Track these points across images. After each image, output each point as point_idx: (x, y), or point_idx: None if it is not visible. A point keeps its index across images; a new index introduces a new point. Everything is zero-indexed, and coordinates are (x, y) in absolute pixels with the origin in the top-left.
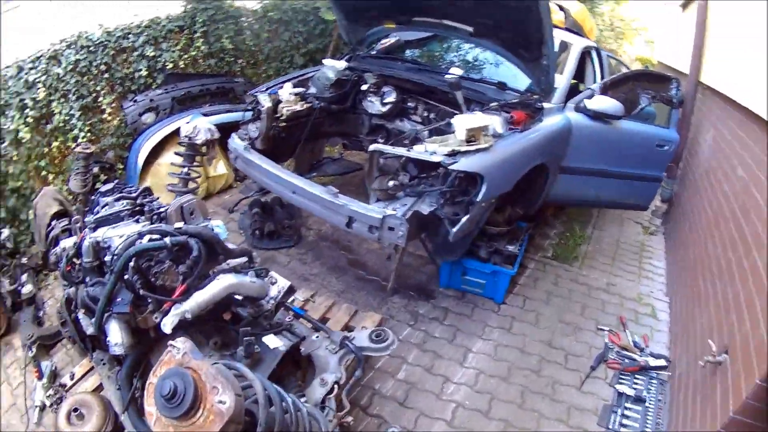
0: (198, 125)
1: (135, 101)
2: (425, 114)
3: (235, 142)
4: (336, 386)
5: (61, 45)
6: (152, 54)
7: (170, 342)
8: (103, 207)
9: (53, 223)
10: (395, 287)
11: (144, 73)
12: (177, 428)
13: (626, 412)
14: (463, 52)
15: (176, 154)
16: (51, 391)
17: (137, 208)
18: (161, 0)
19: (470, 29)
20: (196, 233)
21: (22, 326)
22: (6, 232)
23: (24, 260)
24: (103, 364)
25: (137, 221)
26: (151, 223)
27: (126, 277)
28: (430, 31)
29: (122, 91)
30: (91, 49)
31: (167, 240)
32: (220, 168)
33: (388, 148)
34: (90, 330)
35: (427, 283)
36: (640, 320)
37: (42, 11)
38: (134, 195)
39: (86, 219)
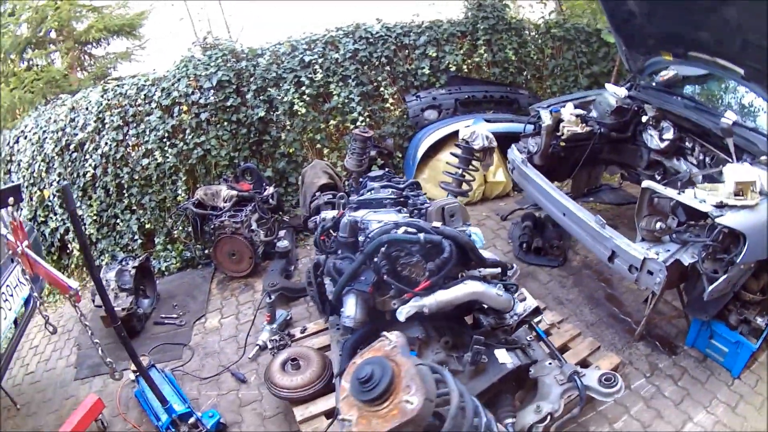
0: (477, 131)
1: (418, 96)
2: (701, 157)
3: (514, 153)
4: (549, 417)
5: (338, 33)
6: (434, 54)
7: (384, 333)
8: (369, 190)
9: (317, 193)
10: (643, 333)
11: (427, 71)
12: (361, 410)
13: None
14: (740, 95)
15: (452, 154)
16: (277, 336)
17: (401, 199)
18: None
19: (742, 72)
20: (452, 236)
21: (269, 274)
22: (270, 189)
23: (286, 218)
24: (337, 328)
25: (399, 211)
26: (410, 217)
27: (375, 260)
28: (704, 68)
29: (404, 85)
30: (370, 41)
31: (421, 236)
32: (499, 175)
33: (660, 188)
34: (331, 295)
35: (675, 338)
36: None
37: None
38: (401, 186)
39: (350, 198)
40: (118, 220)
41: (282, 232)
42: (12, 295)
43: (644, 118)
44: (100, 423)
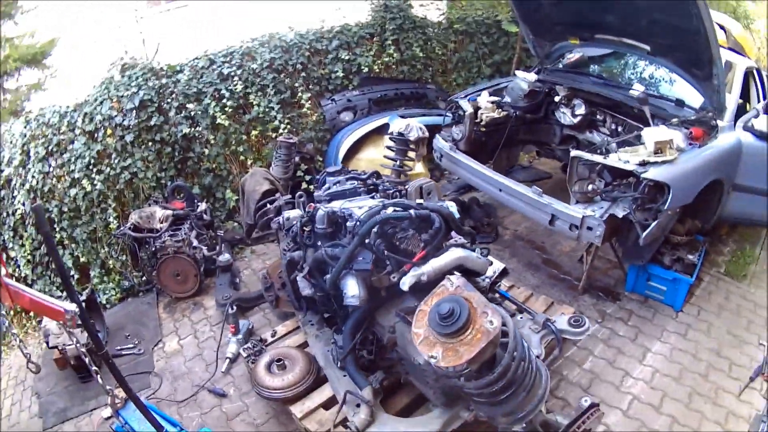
0: (410, 124)
1: (333, 100)
2: (613, 127)
3: (441, 142)
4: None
5: (254, 43)
6: (347, 58)
7: (448, 276)
8: (333, 184)
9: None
10: (585, 287)
11: (341, 74)
12: (445, 344)
13: None
14: (640, 69)
15: (388, 148)
16: (249, 345)
17: (371, 187)
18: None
19: (648, 48)
20: (437, 209)
21: (218, 288)
22: (203, 205)
23: (221, 233)
24: (311, 324)
25: (373, 197)
26: (388, 199)
27: (367, 240)
28: (610, 48)
29: (319, 90)
30: (285, 48)
31: (412, 212)
32: (417, 167)
33: (588, 155)
34: (306, 291)
35: (614, 286)
36: None
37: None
38: (364, 177)
39: (315, 194)
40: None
41: (220, 246)
42: None
43: (557, 98)
44: None
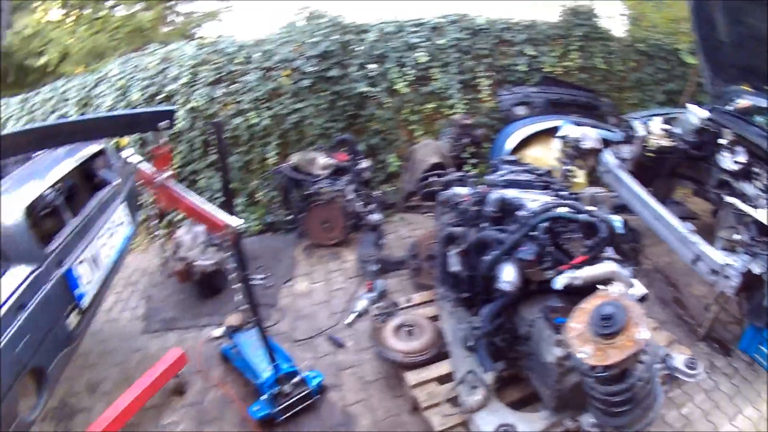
0: (587, 133)
1: (512, 91)
2: (766, 182)
3: (610, 158)
4: None
5: (445, 20)
6: (532, 53)
7: (608, 284)
8: (510, 173)
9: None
10: (705, 335)
11: (523, 69)
12: (597, 343)
13: None
14: None
15: (561, 151)
16: (382, 304)
17: (545, 184)
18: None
19: None
20: (606, 220)
21: (361, 245)
22: (366, 163)
23: (378, 193)
24: (447, 300)
25: (546, 194)
26: (561, 199)
27: (534, 233)
28: None
29: (499, 79)
30: (473, 31)
31: (584, 216)
32: (579, 176)
33: (741, 205)
34: (455, 267)
35: (730, 341)
36: None
37: None
38: (540, 173)
39: (488, 177)
40: (200, 177)
41: (372, 206)
42: (114, 234)
43: (721, 141)
44: (181, 379)
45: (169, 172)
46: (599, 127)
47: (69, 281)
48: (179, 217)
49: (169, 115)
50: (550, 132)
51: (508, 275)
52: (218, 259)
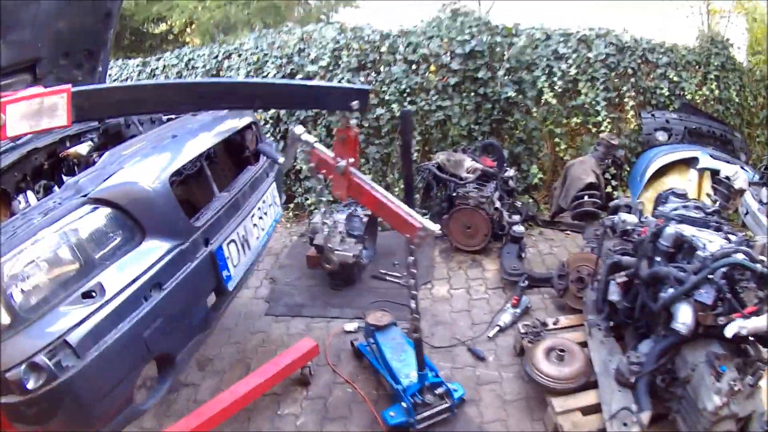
0: (739, 172)
1: (653, 116)
2: None
3: (751, 200)
4: None
5: (591, 32)
6: (674, 78)
7: None
8: (682, 207)
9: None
10: None
11: (665, 92)
12: None
13: None
14: None
15: (712, 187)
16: (530, 323)
17: (717, 225)
18: None
19: None
20: None
21: (504, 257)
22: (512, 171)
23: (521, 204)
24: (598, 329)
25: (720, 235)
26: (728, 242)
27: (711, 276)
28: None
29: (642, 100)
30: (619, 48)
31: (759, 266)
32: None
33: None
34: (614, 297)
35: None
36: None
37: None
38: (709, 210)
39: (658, 209)
40: None
41: (516, 217)
42: (265, 215)
43: None
44: (307, 370)
45: (351, 159)
46: (733, 163)
47: (219, 261)
48: (309, 201)
49: (365, 94)
50: (687, 162)
51: (685, 316)
52: (357, 251)
